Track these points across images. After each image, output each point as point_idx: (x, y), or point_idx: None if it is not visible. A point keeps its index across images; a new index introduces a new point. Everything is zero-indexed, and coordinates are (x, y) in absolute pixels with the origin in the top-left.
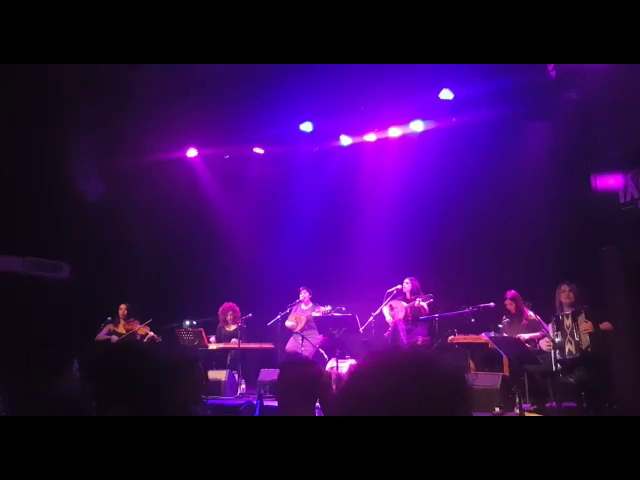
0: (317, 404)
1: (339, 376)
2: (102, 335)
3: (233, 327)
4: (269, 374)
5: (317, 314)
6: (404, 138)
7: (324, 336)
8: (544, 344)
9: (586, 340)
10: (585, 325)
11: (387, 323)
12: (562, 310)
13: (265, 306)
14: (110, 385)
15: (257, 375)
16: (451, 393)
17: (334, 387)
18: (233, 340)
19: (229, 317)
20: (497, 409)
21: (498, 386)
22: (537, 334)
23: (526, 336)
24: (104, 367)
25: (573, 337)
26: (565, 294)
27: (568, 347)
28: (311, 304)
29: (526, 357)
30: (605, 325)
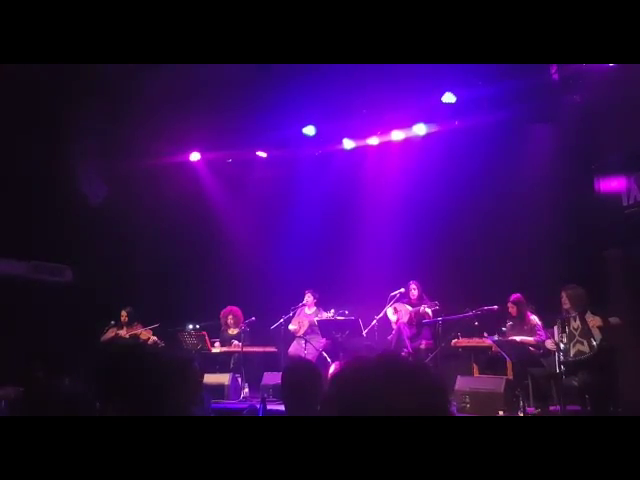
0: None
1: None
2: (106, 338)
3: (236, 331)
4: (272, 377)
5: (320, 318)
6: (407, 141)
7: (327, 340)
8: (549, 343)
9: (597, 334)
10: (593, 320)
11: (390, 327)
12: (567, 313)
13: (269, 309)
14: (110, 385)
15: (260, 379)
16: (427, 398)
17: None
18: (235, 343)
19: (230, 321)
20: (501, 412)
21: (502, 389)
22: (531, 339)
23: (518, 338)
24: (105, 368)
25: (585, 337)
26: (563, 300)
27: (577, 348)
28: (315, 308)
29: (529, 360)
30: (614, 320)
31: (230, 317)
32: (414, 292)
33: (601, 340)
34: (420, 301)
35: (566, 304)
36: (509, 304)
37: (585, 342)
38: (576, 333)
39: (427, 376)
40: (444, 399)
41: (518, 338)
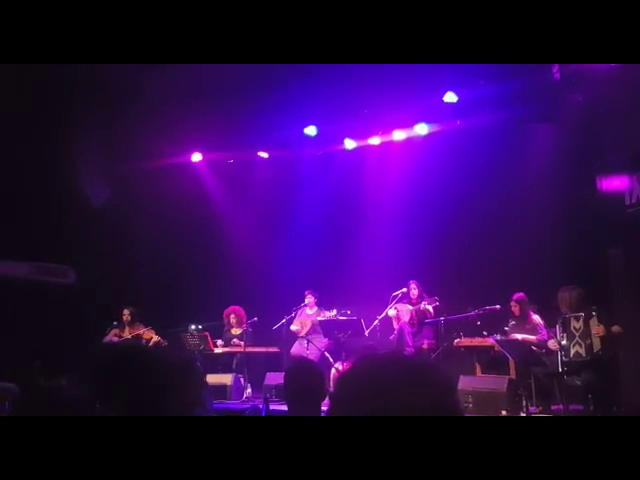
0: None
1: None
2: (108, 339)
3: (239, 331)
4: (275, 378)
5: (322, 318)
6: (408, 141)
7: (329, 340)
8: (551, 343)
9: (597, 343)
10: (597, 329)
11: (393, 326)
12: (566, 313)
13: (271, 310)
14: (110, 387)
15: (263, 379)
16: (438, 396)
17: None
18: (234, 341)
19: (232, 319)
20: (504, 412)
21: (504, 389)
22: (533, 338)
23: (519, 336)
24: (106, 368)
25: (584, 340)
26: (559, 301)
27: (576, 349)
28: (316, 308)
29: (532, 359)
30: (616, 329)
31: (232, 315)
32: (414, 291)
33: (598, 350)
34: (420, 300)
35: (561, 304)
36: (512, 303)
37: (583, 345)
38: (576, 334)
39: (439, 375)
40: (455, 398)
41: (520, 336)
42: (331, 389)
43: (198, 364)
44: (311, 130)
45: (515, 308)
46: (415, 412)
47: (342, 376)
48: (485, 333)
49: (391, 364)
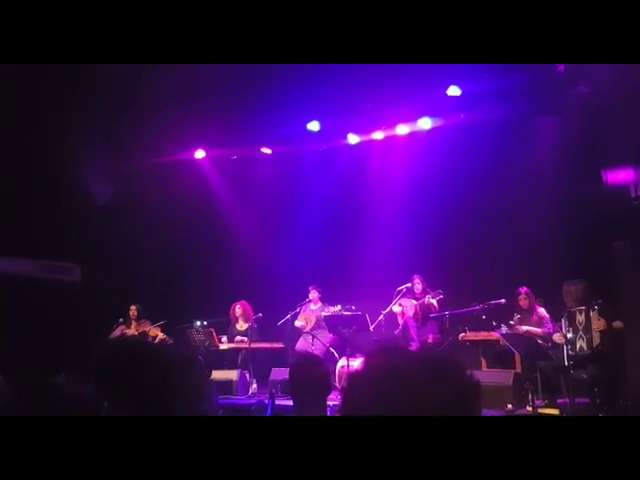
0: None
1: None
2: (114, 336)
3: (244, 326)
4: (280, 373)
5: (326, 314)
6: (412, 136)
7: (334, 335)
8: (557, 337)
9: (597, 338)
10: (597, 323)
11: (397, 321)
12: (571, 307)
13: (275, 306)
14: (113, 385)
15: (268, 374)
16: (462, 391)
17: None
18: (238, 338)
19: (238, 311)
20: (509, 406)
21: (510, 383)
22: (538, 330)
23: (524, 328)
24: (110, 366)
25: (585, 334)
26: (564, 294)
27: (580, 343)
28: (320, 304)
29: (538, 353)
30: (618, 324)
31: (238, 306)
32: (418, 286)
33: (598, 345)
34: (424, 294)
35: (566, 298)
36: (520, 296)
37: (585, 339)
38: (580, 327)
39: (464, 373)
40: (479, 394)
41: (524, 328)
42: (336, 384)
43: (200, 358)
44: (314, 125)
45: (524, 301)
46: (439, 408)
47: (359, 371)
48: (494, 323)
49: (413, 360)
